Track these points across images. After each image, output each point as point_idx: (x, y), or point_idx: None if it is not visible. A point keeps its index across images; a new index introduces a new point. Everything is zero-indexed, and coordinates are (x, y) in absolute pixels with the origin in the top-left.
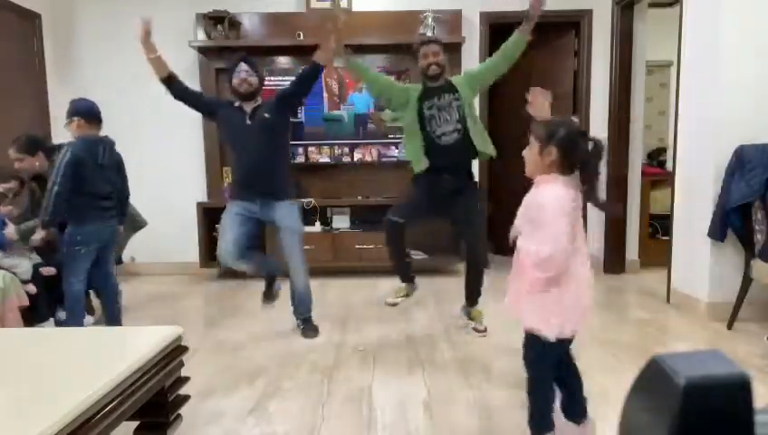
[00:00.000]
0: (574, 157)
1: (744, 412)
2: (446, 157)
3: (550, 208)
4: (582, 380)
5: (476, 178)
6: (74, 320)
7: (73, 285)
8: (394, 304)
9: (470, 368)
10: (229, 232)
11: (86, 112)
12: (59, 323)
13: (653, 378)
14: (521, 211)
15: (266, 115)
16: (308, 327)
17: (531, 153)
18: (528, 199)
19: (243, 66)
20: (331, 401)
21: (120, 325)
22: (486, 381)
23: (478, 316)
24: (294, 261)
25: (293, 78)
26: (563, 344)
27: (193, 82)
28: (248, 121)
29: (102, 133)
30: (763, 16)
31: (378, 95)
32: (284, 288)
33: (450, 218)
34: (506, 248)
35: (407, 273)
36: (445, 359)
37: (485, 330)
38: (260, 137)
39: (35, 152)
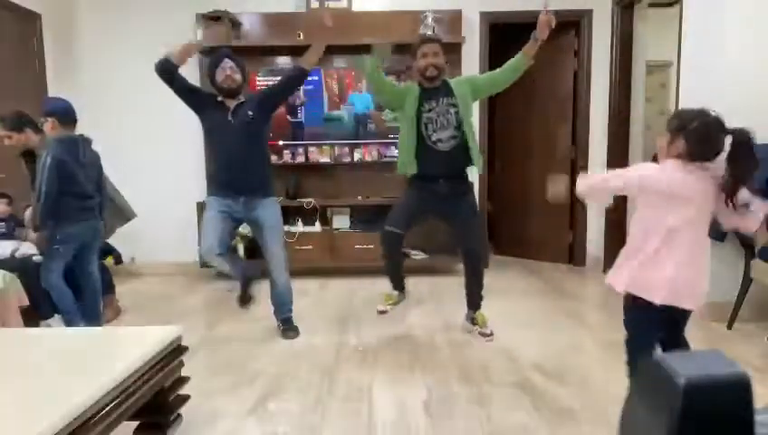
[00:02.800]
0: (704, 148)
1: (744, 412)
2: (443, 163)
3: (640, 165)
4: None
5: (472, 181)
6: (69, 313)
7: (50, 278)
8: (384, 312)
9: (470, 368)
10: (212, 229)
11: (62, 113)
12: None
13: (653, 378)
14: None
15: (250, 113)
16: (288, 327)
17: (661, 141)
18: None
19: (227, 62)
20: (331, 401)
21: (100, 325)
22: (486, 382)
23: (483, 320)
24: (277, 259)
25: (279, 77)
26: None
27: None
28: (230, 119)
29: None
30: (764, 16)
31: (378, 93)
32: (265, 291)
33: (447, 222)
34: (506, 248)
35: (400, 281)
36: (445, 359)
37: (492, 334)
38: (243, 135)
39: (22, 129)
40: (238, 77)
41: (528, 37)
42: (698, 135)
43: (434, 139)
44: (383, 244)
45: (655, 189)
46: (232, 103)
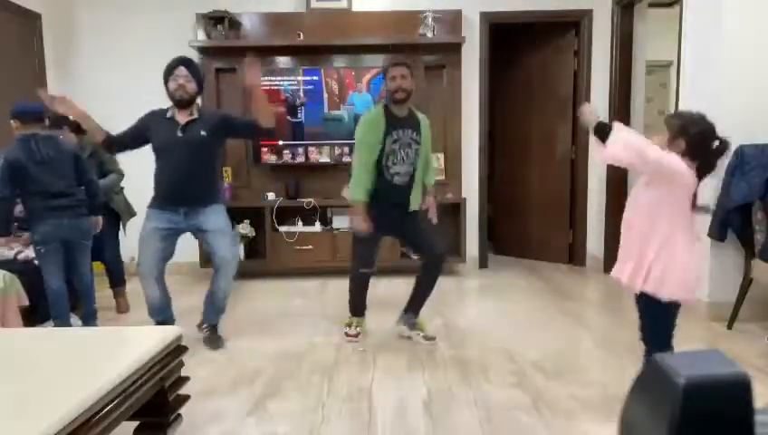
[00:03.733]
0: (700, 152)
1: (744, 412)
2: (396, 195)
3: (668, 154)
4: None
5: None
6: (58, 318)
7: (49, 284)
8: (356, 336)
9: (470, 368)
10: (148, 248)
11: (20, 113)
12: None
13: (653, 378)
14: None
15: (203, 133)
16: (214, 336)
17: (660, 141)
18: None
19: (181, 70)
20: (331, 401)
21: (96, 326)
22: (486, 382)
23: (425, 325)
24: (224, 264)
25: (246, 121)
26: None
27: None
28: (179, 134)
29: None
30: (764, 16)
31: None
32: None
33: (406, 238)
34: (506, 248)
35: (364, 308)
36: (445, 359)
37: (435, 338)
38: (191, 151)
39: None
40: (191, 87)
41: (528, 38)
42: (698, 139)
43: (392, 171)
44: (357, 284)
45: (683, 182)
46: (183, 117)
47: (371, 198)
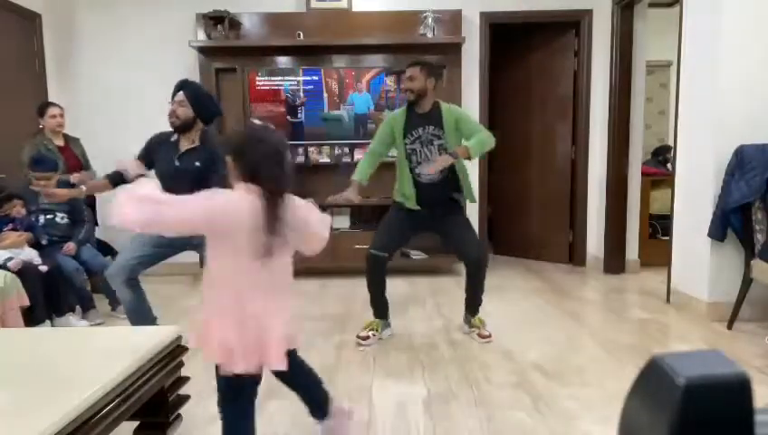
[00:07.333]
0: (247, 163)
1: (744, 412)
2: (427, 194)
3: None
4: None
5: (459, 200)
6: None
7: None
8: (365, 338)
9: (470, 368)
10: (132, 250)
11: None
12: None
13: (653, 378)
14: None
15: (197, 164)
16: None
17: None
18: None
19: (179, 95)
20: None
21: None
22: (486, 382)
23: (481, 324)
24: None
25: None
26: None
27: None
28: (176, 163)
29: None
30: (764, 16)
31: (380, 158)
32: None
33: (441, 238)
34: (506, 248)
35: (384, 307)
36: (445, 359)
37: (490, 335)
38: (185, 181)
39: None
40: (183, 112)
41: (528, 38)
42: (239, 149)
43: (417, 171)
44: (368, 266)
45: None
46: (185, 144)
47: (407, 196)
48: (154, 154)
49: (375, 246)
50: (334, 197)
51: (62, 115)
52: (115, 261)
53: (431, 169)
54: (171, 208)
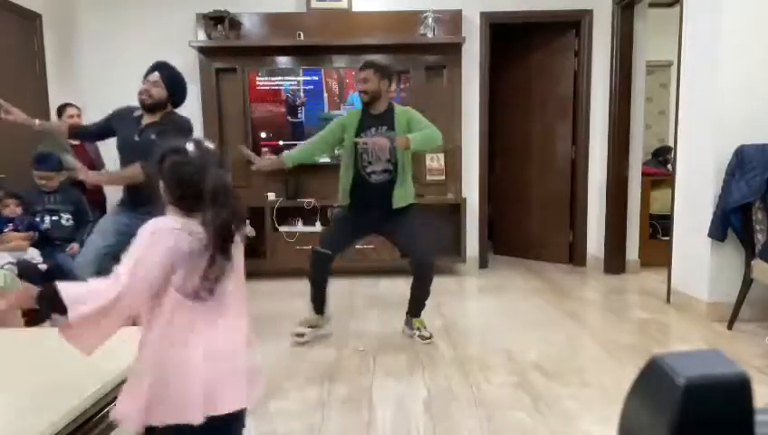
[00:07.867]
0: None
1: (744, 412)
2: (376, 195)
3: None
4: None
5: (411, 201)
6: None
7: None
8: (301, 335)
9: (470, 368)
10: (95, 241)
11: None
12: None
13: (653, 378)
14: None
15: (152, 137)
16: None
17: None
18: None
19: (154, 75)
20: (331, 401)
21: None
22: (486, 382)
23: (422, 325)
24: None
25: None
26: None
27: (193, 82)
28: (136, 138)
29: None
30: (764, 16)
31: (315, 156)
32: None
33: (389, 239)
34: (506, 248)
35: (322, 304)
36: (445, 359)
37: (431, 336)
38: (143, 156)
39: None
40: (157, 92)
41: (528, 38)
42: (174, 181)
43: (368, 170)
44: (311, 262)
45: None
46: (148, 120)
47: (351, 196)
48: (115, 125)
49: (320, 244)
50: (262, 162)
51: (79, 115)
52: (81, 254)
53: (369, 142)
54: (126, 296)
